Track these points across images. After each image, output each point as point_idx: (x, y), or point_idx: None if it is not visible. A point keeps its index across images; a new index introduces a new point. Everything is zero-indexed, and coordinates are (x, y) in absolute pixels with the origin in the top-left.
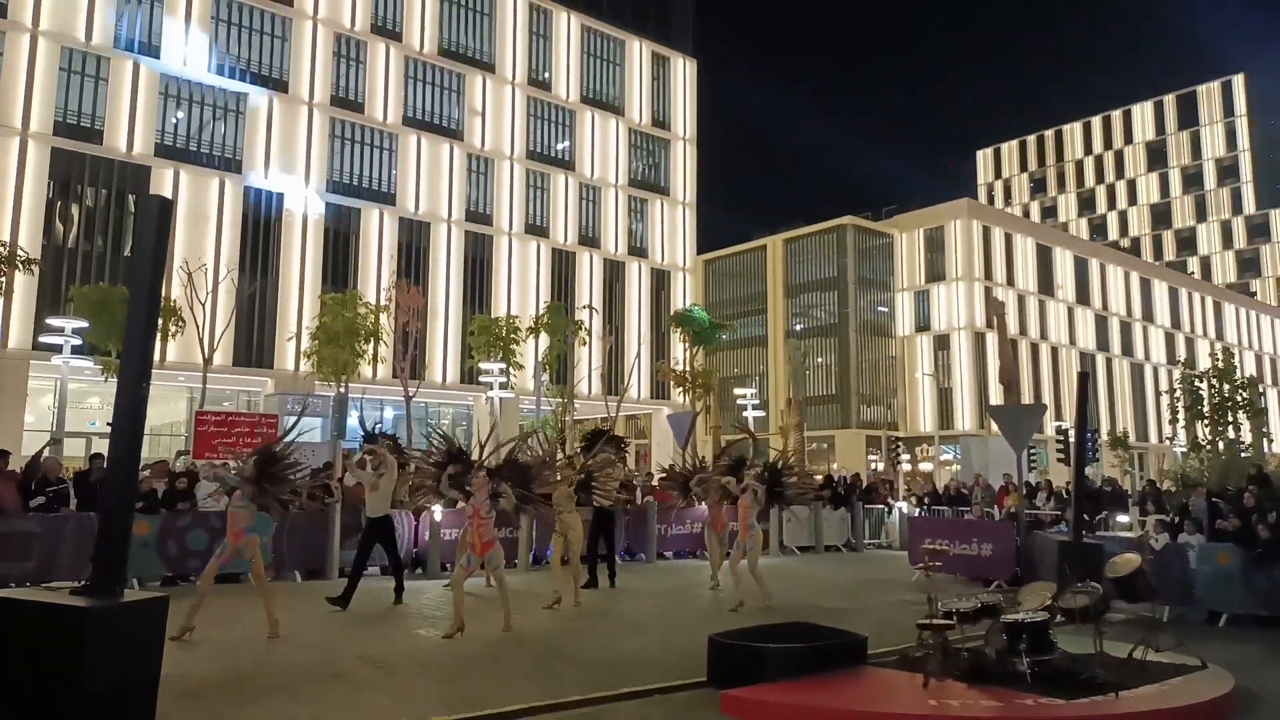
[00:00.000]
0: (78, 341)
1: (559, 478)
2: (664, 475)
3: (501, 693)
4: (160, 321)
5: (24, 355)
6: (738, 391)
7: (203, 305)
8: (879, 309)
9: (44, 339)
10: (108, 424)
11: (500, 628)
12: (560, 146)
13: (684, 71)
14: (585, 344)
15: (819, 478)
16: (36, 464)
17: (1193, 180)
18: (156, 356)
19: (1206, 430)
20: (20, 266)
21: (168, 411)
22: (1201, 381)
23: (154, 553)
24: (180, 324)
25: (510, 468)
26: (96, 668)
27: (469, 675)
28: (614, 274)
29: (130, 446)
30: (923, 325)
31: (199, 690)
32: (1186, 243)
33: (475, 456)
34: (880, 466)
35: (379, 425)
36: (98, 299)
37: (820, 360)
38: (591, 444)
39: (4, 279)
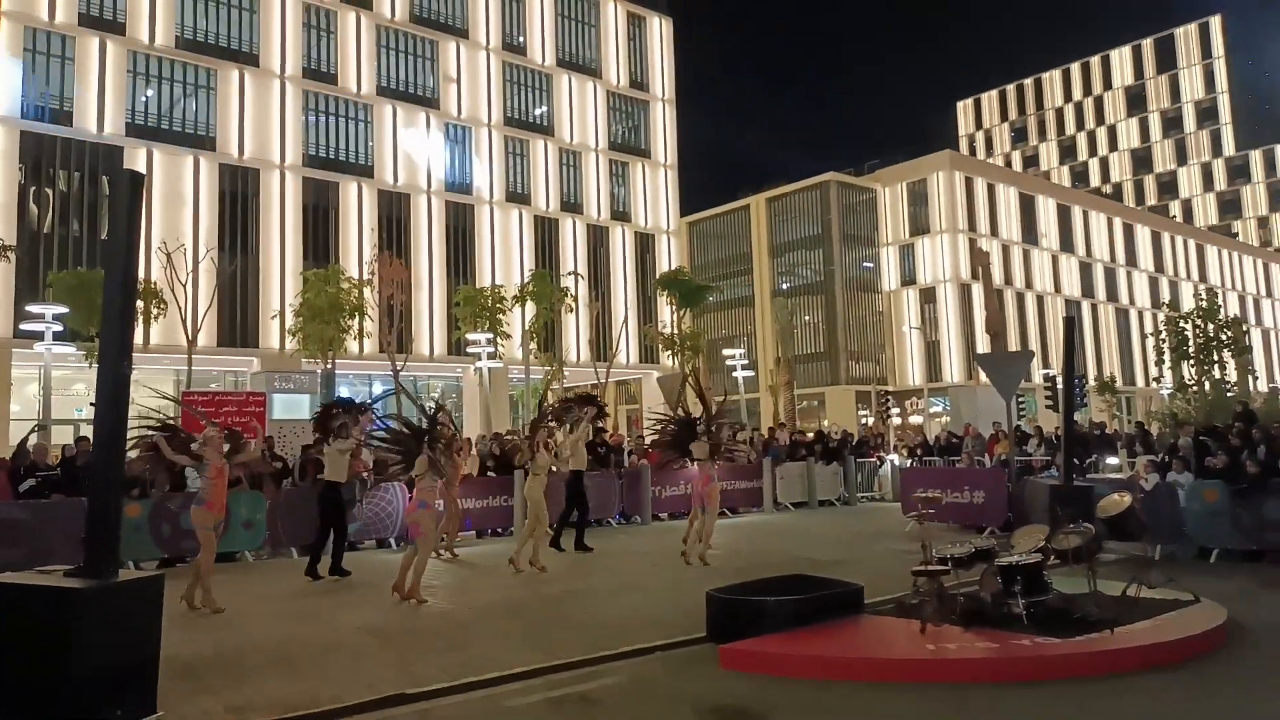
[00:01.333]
0: (59, 328)
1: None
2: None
3: (503, 657)
4: (142, 304)
5: (5, 344)
6: (726, 352)
7: (184, 286)
8: (864, 265)
9: (24, 326)
10: (91, 404)
11: (486, 596)
12: (538, 112)
13: (660, 31)
14: (572, 311)
15: (810, 435)
16: (24, 450)
17: (1172, 124)
18: (140, 339)
19: (1192, 370)
20: None
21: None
22: (1186, 322)
23: (147, 535)
24: (162, 306)
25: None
26: (92, 648)
27: (467, 641)
28: (598, 239)
29: (115, 425)
30: (908, 279)
31: (197, 668)
32: (1168, 187)
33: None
34: (870, 421)
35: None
36: (76, 284)
37: (808, 318)
38: (566, 408)
39: None
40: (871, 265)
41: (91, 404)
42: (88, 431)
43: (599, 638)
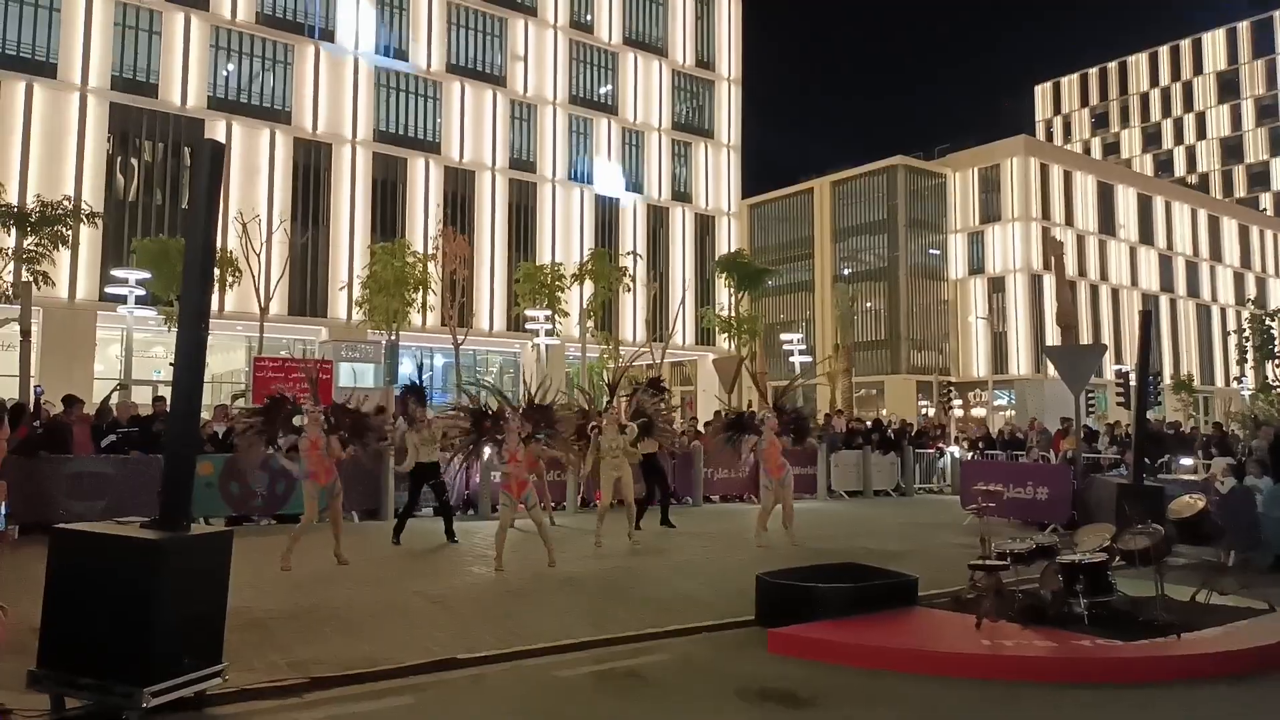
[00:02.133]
0: (141, 292)
1: (593, 424)
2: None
3: (553, 628)
4: (218, 271)
5: (91, 306)
6: (784, 337)
7: (258, 256)
8: (931, 251)
9: (109, 290)
10: (170, 364)
11: (546, 565)
12: (603, 91)
13: (729, 8)
14: (629, 290)
15: (868, 422)
16: (106, 407)
17: (1267, 112)
18: (215, 306)
19: (1277, 371)
20: (85, 220)
21: (228, 360)
22: (1273, 320)
23: (217, 493)
24: (237, 274)
25: (536, 409)
26: (166, 595)
27: (521, 611)
28: (657, 220)
29: (191, 385)
30: (976, 268)
31: (265, 622)
32: (1259, 178)
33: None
34: (931, 412)
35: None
36: (158, 250)
37: (869, 305)
38: (635, 392)
39: (70, 232)
40: (938, 252)
41: (171, 364)
42: (165, 392)
43: (649, 615)
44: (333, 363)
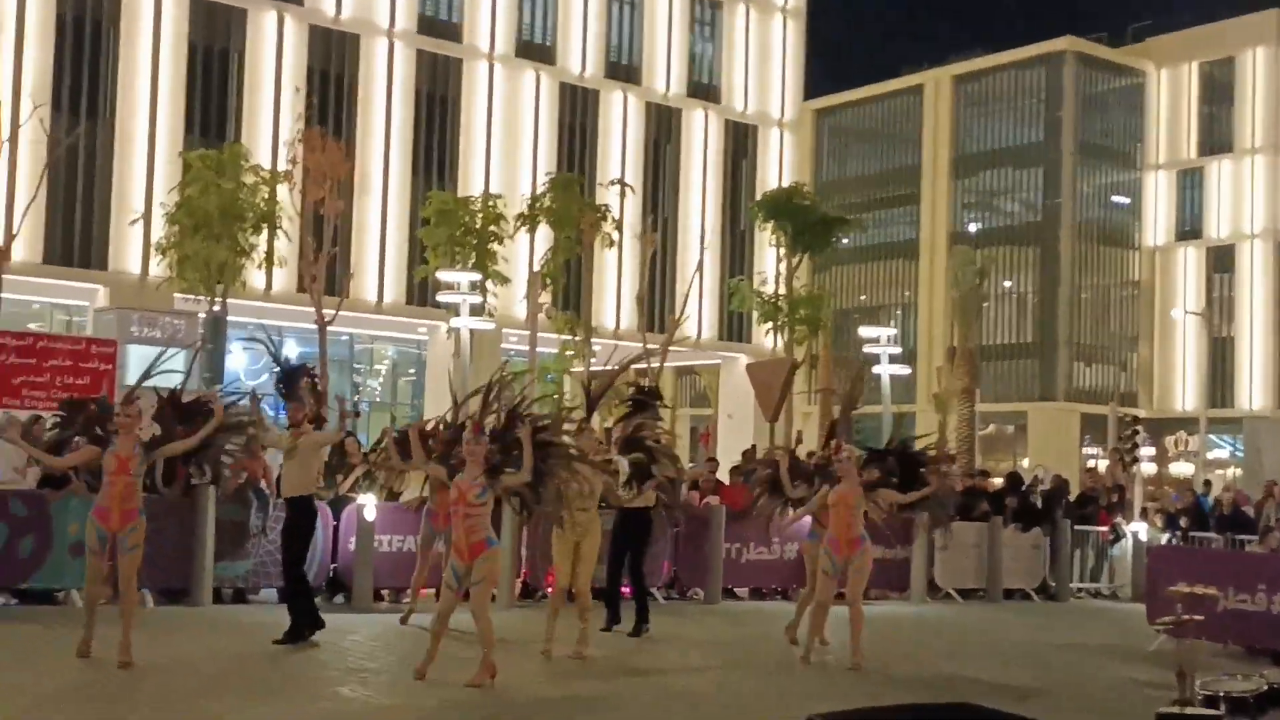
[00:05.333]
0: None
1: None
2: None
3: None
4: None
5: None
6: (865, 333)
7: None
8: (1114, 199)
9: None
10: None
11: (470, 680)
12: None
13: None
14: (612, 245)
15: (997, 480)
16: None
17: None
18: None
19: None
20: None
21: None
22: None
23: None
24: None
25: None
26: None
27: None
28: (663, 128)
29: None
30: (1189, 229)
31: None
32: None
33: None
34: (1103, 466)
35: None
36: None
37: (1008, 284)
38: (633, 410)
39: None
40: (1127, 201)
41: None
42: None
43: None
44: (116, 344)
